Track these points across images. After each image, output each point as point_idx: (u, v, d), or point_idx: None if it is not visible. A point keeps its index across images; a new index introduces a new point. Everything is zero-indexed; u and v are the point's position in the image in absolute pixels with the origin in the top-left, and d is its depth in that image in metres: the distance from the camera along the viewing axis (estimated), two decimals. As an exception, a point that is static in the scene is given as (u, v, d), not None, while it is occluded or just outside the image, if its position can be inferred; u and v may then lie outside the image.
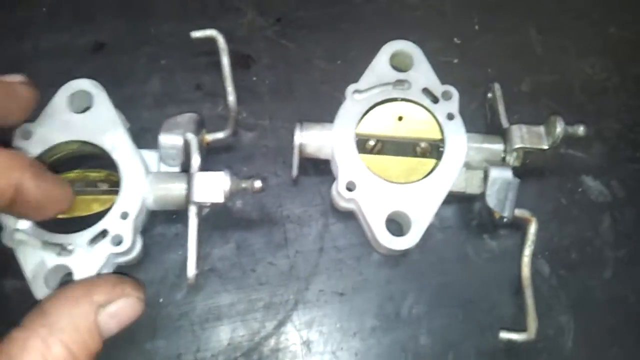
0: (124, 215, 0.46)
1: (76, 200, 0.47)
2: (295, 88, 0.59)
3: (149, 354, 0.49)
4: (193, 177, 0.46)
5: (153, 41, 0.60)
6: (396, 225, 0.50)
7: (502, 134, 0.52)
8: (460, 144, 0.50)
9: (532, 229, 0.51)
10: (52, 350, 0.34)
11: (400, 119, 0.52)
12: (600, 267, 0.54)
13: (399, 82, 0.52)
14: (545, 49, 0.62)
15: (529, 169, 0.53)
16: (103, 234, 0.46)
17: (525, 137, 0.51)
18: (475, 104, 0.58)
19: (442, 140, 0.51)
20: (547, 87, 0.60)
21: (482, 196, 0.50)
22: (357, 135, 0.51)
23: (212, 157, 0.54)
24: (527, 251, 0.51)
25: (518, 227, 0.53)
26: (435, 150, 0.52)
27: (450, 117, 0.51)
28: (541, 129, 0.51)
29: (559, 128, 0.50)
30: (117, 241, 0.46)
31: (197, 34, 0.54)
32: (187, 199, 0.46)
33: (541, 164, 0.56)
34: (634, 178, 0.57)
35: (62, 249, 0.45)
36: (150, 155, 0.50)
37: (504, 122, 0.53)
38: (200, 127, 0.51)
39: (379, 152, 0.52)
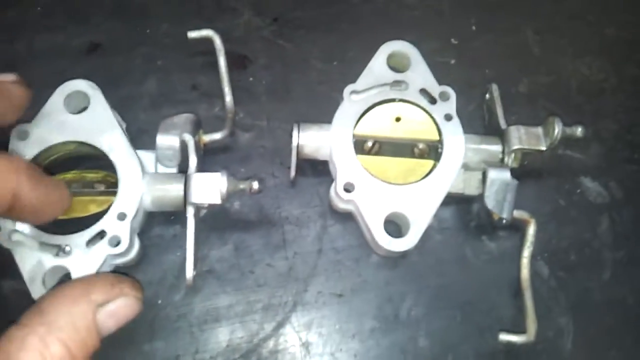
0: (122, 216, 0.46)
1: (73, 202, 0.47)
2: (293, 88, 0.59)
3: (147, 356, 0.49)
4: (190, 178, 0.46)
5: (149, 41, 0.60)
6: (395, 226, 0.50)
7: (500, 135, 0.52)
8: (458, 145, 0.50)
9: (531, 230, 0.51)
10: (50, 349, 0.34)
11: (398, 119, 0.52)
12: (599, 268, 0.54)
13: (397, 83, 0.52)
14: (542, 49, 0.62)
15: (527, 170, 0.53)
16: (100, 235, 0.46)
17: (524, 138, 0.51)
18: (473, 105, 0.58)
19: (440, 141, 0.51)
20: (544, 88, 0.60)
21: (480, 197, 0.50)
22: (355, 136, 0.51)
23: (209, 158, 0.54)
24: (526, 252, 0.50)
25: (517, 228, 0.52)
26: (433, 151, 0.52)
27: (448, 118, 0.51)
28: (539, 130, 0.51)
29: (557, 129, 0.50)
30: (115, 242, 0.45)
31: (193, 34, 0.54)
32: (185, 200, 0.46)
33: (539, 165, 0.55)
34: (632, 179, 0.57)
35: (60, 250, 0.45)
36: (147, 156, 0.50)
37: (502, 123, 0.53)
38: (197, 127, 0.51)
39: (377, 153, 0.52)
